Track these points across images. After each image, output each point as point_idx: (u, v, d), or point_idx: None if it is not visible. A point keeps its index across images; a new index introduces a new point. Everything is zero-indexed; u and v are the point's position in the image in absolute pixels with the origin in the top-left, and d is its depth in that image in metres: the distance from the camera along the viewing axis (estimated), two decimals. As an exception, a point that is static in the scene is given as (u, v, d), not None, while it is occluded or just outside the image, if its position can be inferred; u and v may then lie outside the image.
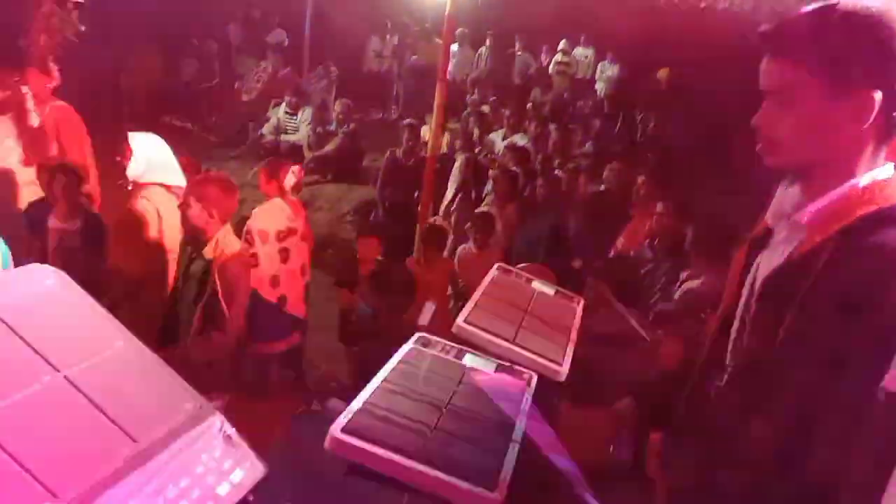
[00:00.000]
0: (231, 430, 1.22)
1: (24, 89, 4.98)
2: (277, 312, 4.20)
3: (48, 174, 4.36)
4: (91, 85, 9.20)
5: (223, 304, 3.10)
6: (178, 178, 3.92)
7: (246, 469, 1.20)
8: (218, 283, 3.09)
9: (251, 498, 1.18)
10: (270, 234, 4.14)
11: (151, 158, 3.82)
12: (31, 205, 4.54)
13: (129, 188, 3.84)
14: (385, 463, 1.62)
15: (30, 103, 4.95)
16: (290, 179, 4.22)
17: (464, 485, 1.58)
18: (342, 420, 1.69)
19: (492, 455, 1.71)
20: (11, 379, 1.00)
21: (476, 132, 8.08)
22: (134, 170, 3.79)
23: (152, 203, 3.74)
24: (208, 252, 3.16)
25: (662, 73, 10.64)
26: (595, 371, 2.67)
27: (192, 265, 3.24)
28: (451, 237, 6.03)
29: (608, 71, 11.51)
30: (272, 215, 4.21)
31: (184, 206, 3.23)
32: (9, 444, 0.92)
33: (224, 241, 3.20)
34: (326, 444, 1.64)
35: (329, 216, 7.72)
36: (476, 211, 5.64)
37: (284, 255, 4.19)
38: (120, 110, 10.12)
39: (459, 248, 5.47)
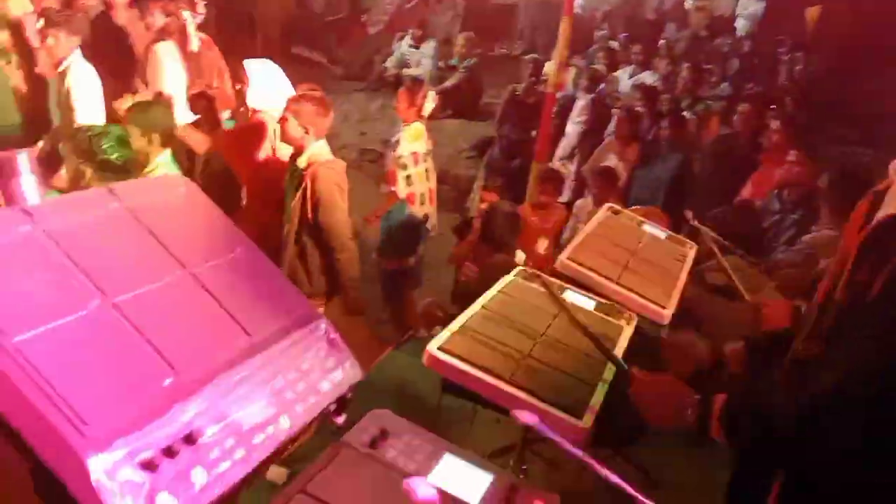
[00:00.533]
0: (335, 335, 1.32)
1: (185, 14, 5.27)
2: (416, 228, 4.56)
3: (193, 99, 4.71)
4: (227, 16, 9.64)
5: (319, 211, 3.25)
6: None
7: (346, 370, 1.30)
8: (310, 190, 3.25)
9: (349, 396, 1.28)
10: (420, 154, 4.48)
11: (267, 86, 4.01)
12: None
13: (250, 114, 4.04)
14: (476, 382, 1.70)
15: (191, 28, 5.25)
16: (428, 105, 4.45)
17: (552, 410, 1.63)
18: (439, 339, 1.78)
19: (581, 387, 1.74)
20: (144, 272, 1.13)
21: (602, 68, 7.80)
22: (252, 97, 3.99)
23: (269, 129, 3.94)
24: (302, 162, 3.32)
25: (812, 12, 9.76)
26: (699, 321, 2.61)
27: (292, 176, 3.42)
28: (569, 181, 5.94)
29: (751, 7, 10.69)
30: (418, 137, 4.49)
31: (283, 121, 3.40)
32: (140, 325, 1.06)
33: (316, 152, 3.35)
34: (424, 359, 1.74)
35: (446, 151, 7.78)
36: (600, 165, 5.48)
37: (429, 174, 4.55)
38: (254, 41, 10.54)
39: (577, 202, 5.39)
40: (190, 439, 1.00)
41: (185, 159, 4.24)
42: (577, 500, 1.82)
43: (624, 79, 7.66)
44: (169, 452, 0.97)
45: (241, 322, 1.18)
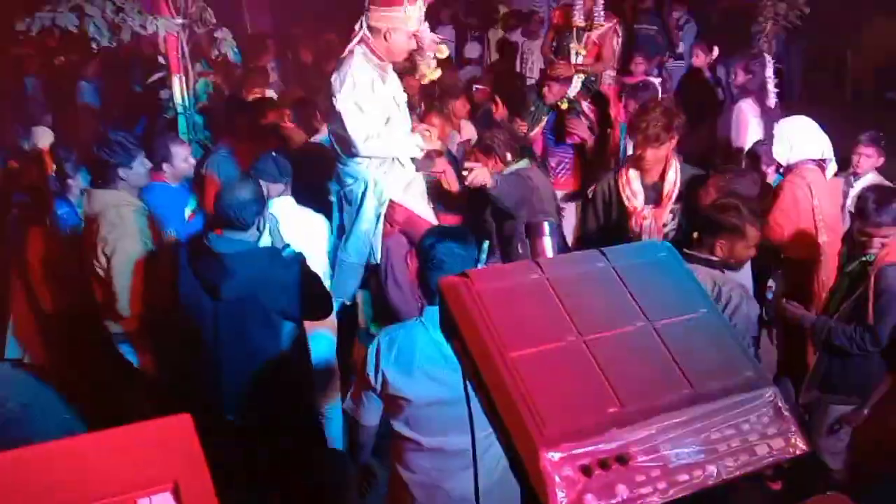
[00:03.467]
0: (784, 404, 1.35)
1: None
2: None
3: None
4: (812, 60, 9.38)
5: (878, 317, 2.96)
6: (828, 152, 4.06)
7: (788, 441, 1.32)
8: (872, 291, 2.94)
9: (786, 465, 1.30)
10: None
11: (796, 140, 4.03)
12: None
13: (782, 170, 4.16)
14: None
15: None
16: None
17: None
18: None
19: None
20: (614, 319, 1.40)
21: None
22: (780, 153, 4.06)
23: (804, 183, 3.87)
24: (873, 255, 3.03)
25: None
26: None
27: (850, 263, 3.18)
28: None
29: None
30: None
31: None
32: (601, 361, 1.33)
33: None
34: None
35: None
36: None
37: None
38: (842, 87, 9.97)
39: None
40: (622, 460, 1.22)
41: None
42: None
43: None
44: (603, 465, 1.21)
45: (688, 374, 1.34)
